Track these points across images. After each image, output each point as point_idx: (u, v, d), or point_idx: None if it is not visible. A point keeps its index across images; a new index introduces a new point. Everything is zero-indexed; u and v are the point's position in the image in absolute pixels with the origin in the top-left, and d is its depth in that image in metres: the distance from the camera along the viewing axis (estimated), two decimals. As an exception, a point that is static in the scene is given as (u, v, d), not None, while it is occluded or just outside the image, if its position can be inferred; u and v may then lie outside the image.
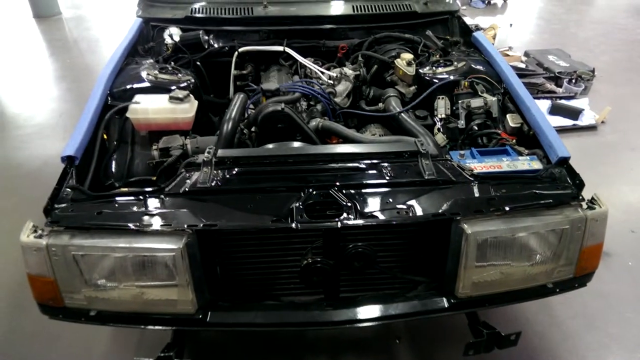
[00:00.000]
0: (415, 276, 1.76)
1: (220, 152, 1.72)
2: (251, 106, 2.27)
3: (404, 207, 1.55)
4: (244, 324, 1.67)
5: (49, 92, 5.15)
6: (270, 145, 1.99)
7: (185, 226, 1.48)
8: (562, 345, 2.28)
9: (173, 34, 2.69)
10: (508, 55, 5.27)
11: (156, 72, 2.27)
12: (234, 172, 1.67)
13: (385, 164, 1.69)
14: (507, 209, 1.56)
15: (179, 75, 2.31)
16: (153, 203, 1.57)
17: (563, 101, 4.49)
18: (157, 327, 1.65)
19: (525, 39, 6.54)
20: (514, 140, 2.06)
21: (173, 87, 2.18)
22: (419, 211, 1.54)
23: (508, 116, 2.13)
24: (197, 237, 1.50)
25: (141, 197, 1.59)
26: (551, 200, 1.61)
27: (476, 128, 2.17)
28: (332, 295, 1.73)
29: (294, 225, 1.48)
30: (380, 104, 2.44)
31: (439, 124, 2.25)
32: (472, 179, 1.66)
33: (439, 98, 2.30)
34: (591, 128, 4.23)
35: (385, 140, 2.10)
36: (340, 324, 1.67)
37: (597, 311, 2.44)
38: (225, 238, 1.63)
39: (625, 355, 2.25)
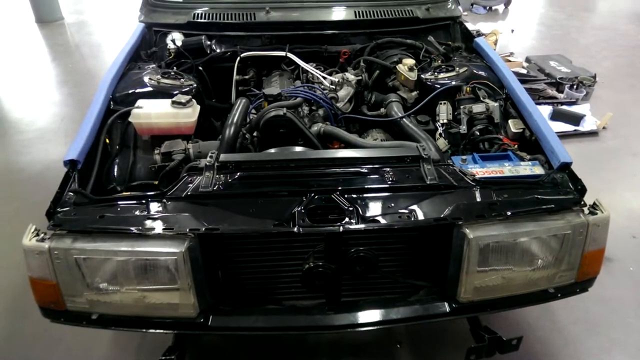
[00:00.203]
0: (417, 281, 1.76)
1: (222, 157, 1.72)
2: (253, 111, 2.27)
3: (406, 211, 1.55)
4: (245, 328, 1.67)
5: (50, 96, 5.16)
6: (272, 150, 2.00)
7: (188, 230, 1.49)
8: (563, 350, 2.27)
9: (175, 39, 2.70)
10: (509, 61, 5.28)
11: (159, 76, 2.28)
12: (236, 177, 1.67)
13: (387, 169, 1.70)
14: (509, 214, 1.56)
15: (182, 80, 2.32)
16: (155, 207, 1.57)
17: (564, 107, 4.49)
18: (158, 331, 1.66)
19: (527, 44, 6.55)
20: (516, 146, 2.06)
21: (175, 92, 2.18)
22: (420, 216, 1.54)
23: (510, 121, 2.14)
24: (199, 241, 1.50)
25: (143, 201, 1.60)
26: (553, 206, 1.61)
27: (478, 133, 2.17)
28: (334, 300, 1.73)
29: (296, 229, 1.49)
30: (382, 109, 2.45)
31: (440, 129, 2.25)
32: (474, 184, 1.66)
33: (440, 103, 2.30)
34: (592, 134, 4.23)
35: (387, 145, 2.10)
36: (341, 328, 1.67)
37: (598, 316, 2.44)
38: (227, 242, 1.63)
39: (627, 361, 2.25)
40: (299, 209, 1.53)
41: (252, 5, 2.84)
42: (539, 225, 1.58)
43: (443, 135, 2.23)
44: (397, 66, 2.52)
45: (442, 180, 1.65)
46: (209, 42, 2.72)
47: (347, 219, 1.51)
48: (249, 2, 2.88)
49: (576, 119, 4.25)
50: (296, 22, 2.79)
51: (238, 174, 1.68)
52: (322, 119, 2.34)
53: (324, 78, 2.56)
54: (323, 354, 2.26)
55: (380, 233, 1.62)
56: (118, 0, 8.60)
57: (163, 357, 1.72)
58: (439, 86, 2.34)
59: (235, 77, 2.70)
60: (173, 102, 2.05)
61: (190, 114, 2.06)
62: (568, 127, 4.22)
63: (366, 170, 1.70)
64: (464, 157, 1.95)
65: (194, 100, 2.12)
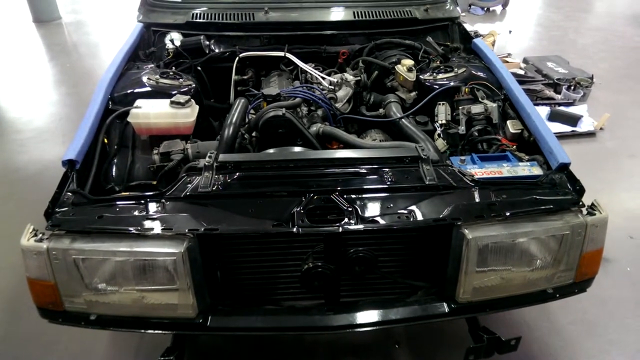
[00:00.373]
0: (416, 281, 1.76)
1: (221, 157, 1.72)
2: (252, 111, 2.27)
3: (405, 212, 1.55)
4: (244, 329, 1.67)
5: (48, 96, 5.14)
6: (271, 150, 2.00)
7: (186, 230, 1.49)
8: (562, 351, 2.27)
9: (174, 39, 2.70)
10: (507, 61, 5.29)
11: (157, 76, 2.28)
12: (235, 177, 1.67)
13: (386, 169, 1.70)
14: (507, 214, 1.56)
15: (180, 80, 2.31)
16: (154, 207, 1.57)
17: (562, 108, 4.50)
18: (157, 332, 1.65)
19: (524, 45, 6.56)
20: (515, 146, 2.06)
21: (174, 92, 2.18)
22: (419, 216, 1.54)
23: (508, 122, 2.14)
24: (198, 242, 1.50)
25: (142, 201, 1.59)
26: (551, 206, 1.62)
27: (476, 134, 2.17)
28: (333, 300, 1.73)
29: (295, 229, 1.49)
30: (381, 110, 2.45)
31: (439, 130, 2.25)
32: (472, 184, 1.66)
33: (439, 104, 2.30)
34: (590, 134, 4.24)
35: (386, 146, 2.11)
36: (340, 329, 1.67)
37: (596, 317, 2.44)
38: (226, 242, 1.63)
39: (625, 361, 2.25)
40: (298, 209, 1.53)
41: (251, 5, 2.84)
42: (538, 225, 1.59)
43: (442, 135, 2.23)
44: (395, 67, 2.52)
45: (441, 181, 1.65)
46: (207, 42, 2.72)
47: (346, 220, 1.52)
48: (247, 2, 2.88)
49: (573, 120, 4.26)
50: (295, 23, 2.80)
51: (237, 174, 1.68)
52: (321, 120, 2.34)
53: (323, 78, 2.56)
54: (322, 354, 2.26)
55: (379, 233, 1.62)
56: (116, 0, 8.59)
57: (162, 358, 1.71)
58: (437, 87, 2.34)
59: (234, 77, 2.70)
60: (172, 102, 2.05)
61: (189, 114, 2.06)
62: (565, 128, 4.23)
63: (365, 171, 1.70)
64: (462, 157, 1.95)
65: (192, 100, 2.12)
